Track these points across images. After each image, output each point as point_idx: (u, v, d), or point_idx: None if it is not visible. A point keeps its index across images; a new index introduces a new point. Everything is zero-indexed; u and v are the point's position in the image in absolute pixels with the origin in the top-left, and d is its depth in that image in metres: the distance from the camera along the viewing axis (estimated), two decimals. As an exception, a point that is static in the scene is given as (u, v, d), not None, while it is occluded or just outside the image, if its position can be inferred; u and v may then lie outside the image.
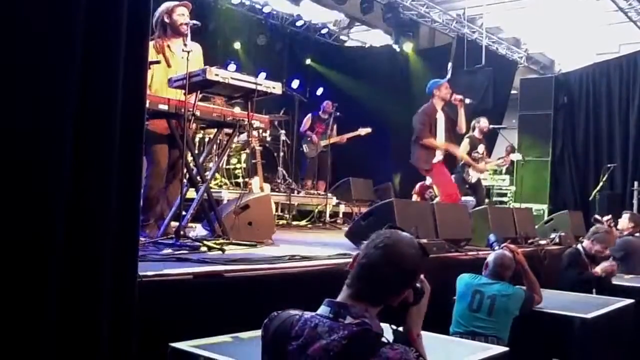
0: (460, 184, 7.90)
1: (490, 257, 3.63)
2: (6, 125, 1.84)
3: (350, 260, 1.75)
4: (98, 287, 2.03)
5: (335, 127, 9.03)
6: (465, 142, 7.73)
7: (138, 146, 2.23)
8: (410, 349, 1.59)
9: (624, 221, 6.56)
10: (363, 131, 9.15)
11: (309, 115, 9.31)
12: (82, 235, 2.00)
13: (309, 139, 9.06)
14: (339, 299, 1.66)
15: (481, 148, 7.89)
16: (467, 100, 6.33)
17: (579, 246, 5.03)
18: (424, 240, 4.26)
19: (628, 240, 6.04)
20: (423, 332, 2.65)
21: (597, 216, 7.65)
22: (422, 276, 1.79)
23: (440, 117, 6.23)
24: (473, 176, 7.72)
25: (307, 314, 1.65)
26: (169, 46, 4.40)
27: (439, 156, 6.26)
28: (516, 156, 8.67)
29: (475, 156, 7.75)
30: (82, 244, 1.99)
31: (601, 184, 8.76)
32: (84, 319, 1.99)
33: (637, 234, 6.44)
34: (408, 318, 1.76)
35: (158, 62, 4.19)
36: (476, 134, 7.90)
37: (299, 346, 1.58)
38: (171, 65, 4.36)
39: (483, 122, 7.96)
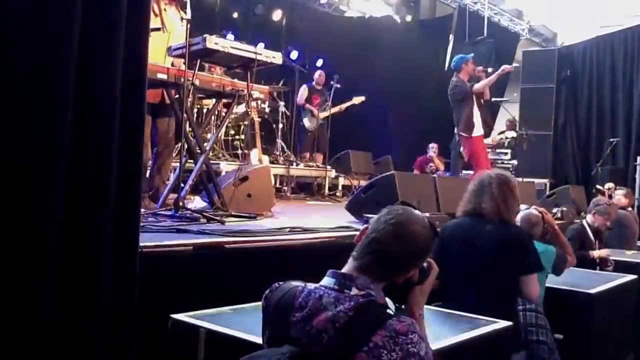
0: (458, 157, 7.91)
1: (518, 217, 3.58)
2: (4, 92, 1.78)
3: (354, 232, 1.71)
4: (99, 257, 2.00)
5: (331, 98, 8.86)
6: None
7: (139, 115, 2.18)
8: None
9: (619, 197, 6.64)
10: (357, 100, 9.00)
11: (305, 86, 9.16)
12: (83, 206, 1.96)
13: (308, 111, 8.93)
14: (344, 270, 1.64)
15: None
16: (489, 69, 6.70)
17: (584, 222, 5.00)
18: (426, 214, 4.23)
19: (620, 214, 6.12)
20: (425, 307, 2.63)
21: (598, 186, 7.67)
22: (430, 259, 1.76)
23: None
24: None
25: (311, 285, 1.63)
26: (165, 10, 4.32)
27: (479, 130, 6.52)
28: (510, 134, 8.63)
29: None
30: (83, 215, 1.96)
31: (603, 158, 8.72)
32: (84, 290, 1.97)
33: (629, 209, 6.64)
34: (411, 297, 1.73)
35: (159, 29, 4.11)
36: None
37: (303, 317, 1.56)
38: (167, 31, 4.27)
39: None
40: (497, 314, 2.50)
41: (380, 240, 1.63)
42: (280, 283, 1.69)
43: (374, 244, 1.63)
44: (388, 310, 1.56)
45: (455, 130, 6.72)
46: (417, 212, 1.72)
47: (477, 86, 6.43)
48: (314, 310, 1.54)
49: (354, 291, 1.56)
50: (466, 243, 2.99)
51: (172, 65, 4.16)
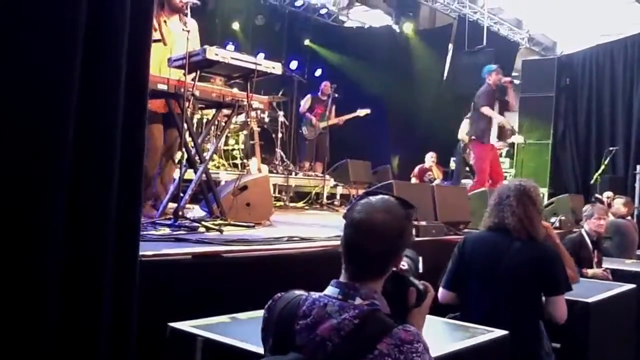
0: (461, 165, 7.93)
1: None
2: (7, 103, 1.80)
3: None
4: (100, 265, 2.01)
5: (333, 108, 8.97)
6: (465, 122, 7.76)
7: (141, 124, 2.19)
8: None
9: (618, 206, 6.64)
10: (362, 112, 9.06)
11: (308, 96, 9.23)
12: (84, 215, 1.97)
13: (308, 120, 8.98)
14: (342, 280, 1.63)
15: None
16: (516, 81, 7.08)
17: (582, 231, 4.97)
18: (423, 223, 4.24)
19: (620, 223, 6.11)
20: (438, 318, 2.63)
21: (597, 195, 7.67)
22: (426, 283, 1.75)
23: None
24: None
25: (315, 294, 1.62)
26: (165, 22, 4.34)
27: (491, 139, 6.70)
28: (517, 139, 8.65)
29: None
30: (84, 223, 1.97)
31: (603, 167, 8.73)
32: (85, 297, 1.97)
33: (629, 218, 6.64)
34: (409, 319, 1.70)
35: (159, 41, 4.13)
36: None
37: (307, 325, 1.55)
38: (167, 43, 4.28)
39: None
40: (521, 331, 2.48)
41: (350, 245, 1.63)
42: (283, 293, 1.68)
43: (347, 250, 1.63)
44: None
45: (467, 134, 6.89)
46: (376, 198, 1.68)
47: (485, 109, 6.64)
48: (318, 319, 1.54)
49: (358, 301, 1.56)
50: (491, 259, 2.91)
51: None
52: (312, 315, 1.56)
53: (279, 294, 1.68)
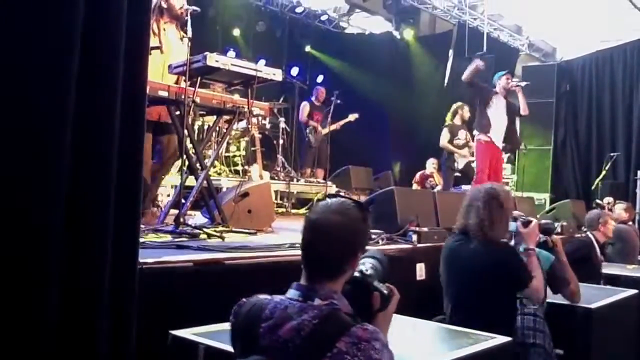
0: (449, 171, 8.02)
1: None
2: (5, 113, 1.80)
3: None
4: (99, 274, 2.01)
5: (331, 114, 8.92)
6: (445, 130, 7.92)
7: (139, 131, 2.20)
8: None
9: (619, 211, 6.64)
10: (352, 117, 9.07)
11: (305, 102, 9.21)
12: (82, 223, 1.97)
13: (312, 128, 8.95)
14: (302, 282, 1.67)
15: (462, 134, 8.00)
16: (523, 83, 7.03)
17: (589, 234, 4.96)
18: (425, 229, 4.24)
19: (621, 229, 6.11)
20: (425, 322, 2.64)
21: (598, 201, 7.67)
22: (389, 285, 1.76)
23: (500, 102, 6.74)
24: (460, 162, 7.87)
25: (277, 297, 1.67)
26: (164, 30, 4.34)
27: (494, 137, 6.65)
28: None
29: (457, 143, 7.89)
30: (82, 231, 1.97)
31: (604, 172, 8.73)
32: (85, 307, 1.97)
33: (630, 223, 6.66)
34: (375, 324, 1.70)
35: (158, 48, 4.14)
36: (456, 121, 8.02)
37: (269, 327, 1.60)
38: (164, 52, 4.28)
39: (465, 112, 8.01)
40: (497, 330, 2.49)
41: (307, 248, 1.67)
42: (247, 298, 1.73)
43: (304, 253, 1.68)
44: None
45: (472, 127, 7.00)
46: (331, 201, 1.72)
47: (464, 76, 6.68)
48: (280, 321, 1.59)
49: (317, 301, 1.60)
50: (452, 262, 2.99)
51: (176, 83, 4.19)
52: (274, 318, 1.60)
53: (243, 299, 1.73)
